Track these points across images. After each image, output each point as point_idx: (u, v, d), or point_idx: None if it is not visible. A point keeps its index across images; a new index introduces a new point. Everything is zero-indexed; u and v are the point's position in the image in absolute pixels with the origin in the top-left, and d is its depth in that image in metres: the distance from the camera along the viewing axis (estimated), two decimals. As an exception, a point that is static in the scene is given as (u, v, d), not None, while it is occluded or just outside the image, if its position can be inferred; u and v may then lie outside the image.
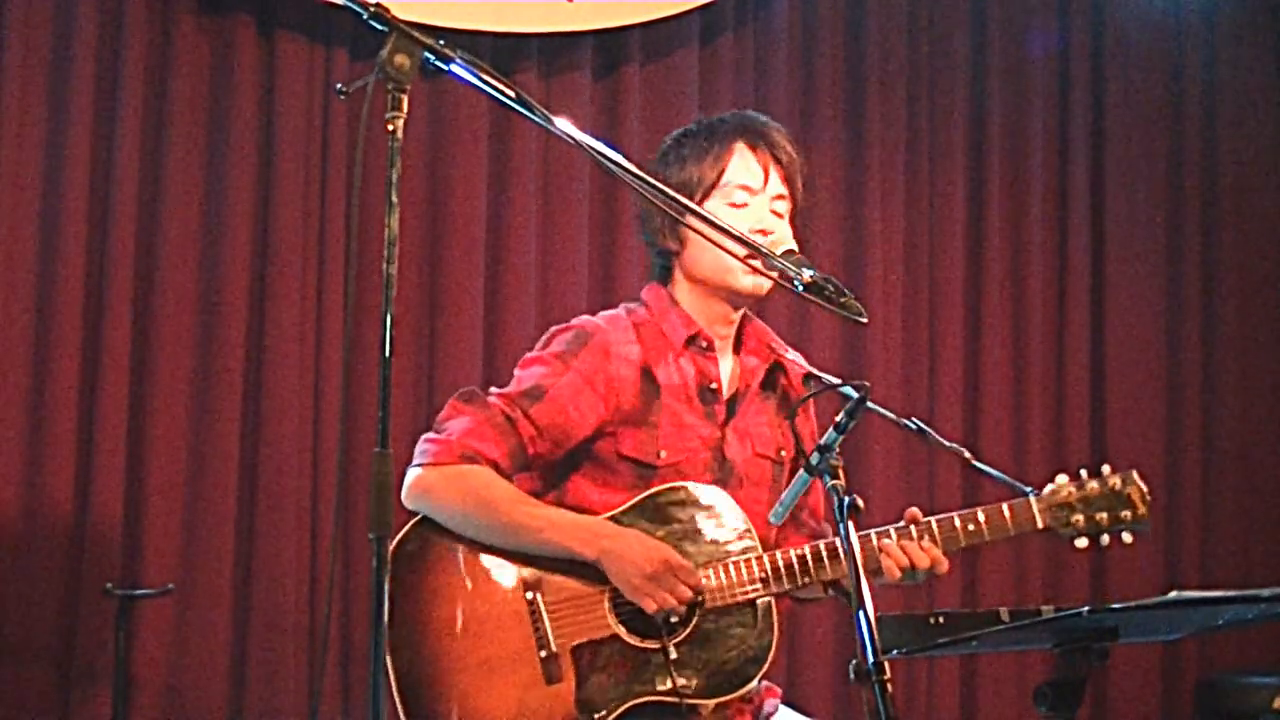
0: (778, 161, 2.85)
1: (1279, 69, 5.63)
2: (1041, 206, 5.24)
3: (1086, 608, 2.39)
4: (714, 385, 2.83)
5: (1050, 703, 2.53)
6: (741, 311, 2.89)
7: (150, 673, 3.96)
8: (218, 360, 4.11)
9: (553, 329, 2.87)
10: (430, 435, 2.76)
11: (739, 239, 2.53)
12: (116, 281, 4.01)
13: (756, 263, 2.63)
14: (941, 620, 2.69)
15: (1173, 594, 2.46)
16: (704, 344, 2.84)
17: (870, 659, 2.20)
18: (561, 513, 2.74)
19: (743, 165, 2.83)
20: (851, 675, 2.22)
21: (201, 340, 4.13)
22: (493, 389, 2.80)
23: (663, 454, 2.77)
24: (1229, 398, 5.43)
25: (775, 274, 2.61)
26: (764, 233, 2.77)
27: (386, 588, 2.08)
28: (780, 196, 2.84)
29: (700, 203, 2.77)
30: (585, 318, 2.88)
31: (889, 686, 2.20)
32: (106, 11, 4.09)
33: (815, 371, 2.90)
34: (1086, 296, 5.28)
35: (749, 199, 2.81)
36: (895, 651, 2.60)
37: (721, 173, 2.82)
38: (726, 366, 2.87)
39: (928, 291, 5.07)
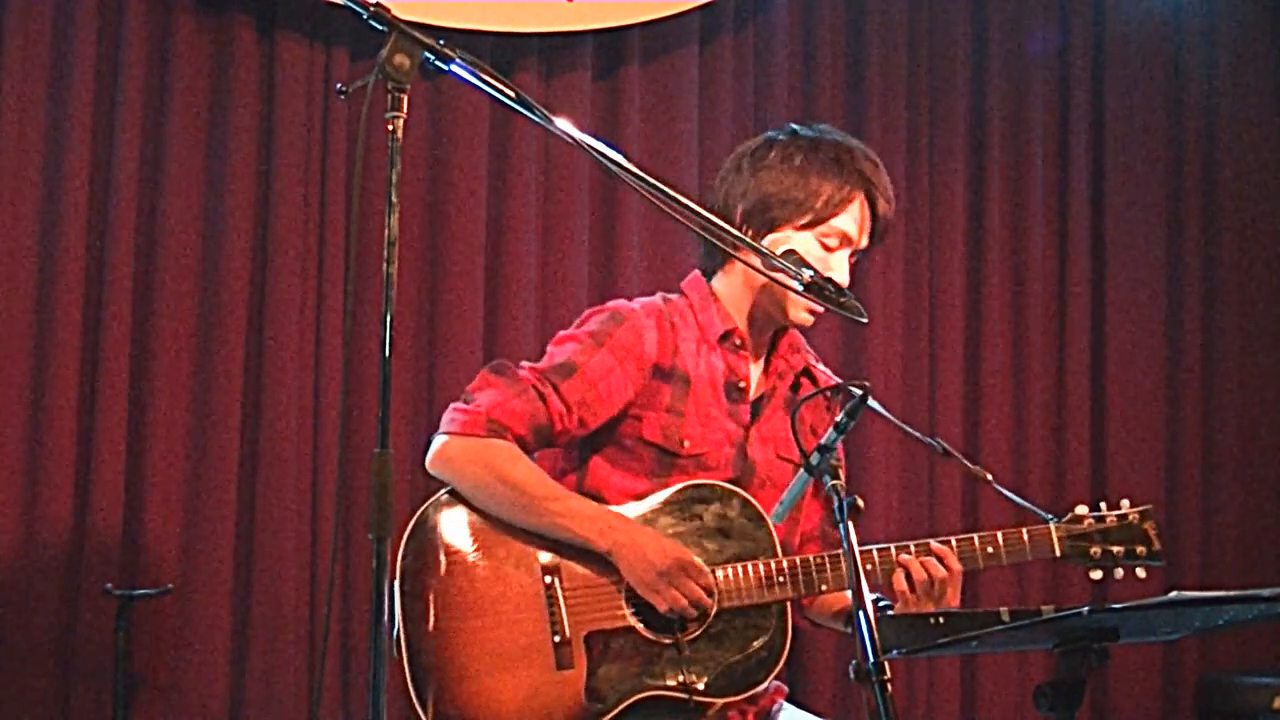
0: (876, 220, 2.90)
1: (1279, 69, 5.63)
2: (1042, 206, 5.24)
3: (1086, 608, 2.38)
4: (742, 384, 2.86)
5: (1050, 703, 2.52)
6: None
7: (150, 673, 3.96)
8: (218, 360, 4.11)
9: (588, 310, 2.91)
10: (458, 404, 2.77)
11: (759, 251, 2.57)
12: (116, 281, 4.01)
13: (819, 308, 2.67)
14: (941, 620, 2.68)
15: (1173, 594, 2.45)
16: (738, 342, 2.88)
17: (870, 659, 2.20)
18: (581, 500, 2.74)
19: (854, 216, 2.86)
20: (852, 675, 2.22)
21: (201, 340, 4.12)
22: (524, 363, 2.81)
23: (686, 443, 2.79)
24: (1229, 398, 5.43)
25: (823, 308, 2.65)
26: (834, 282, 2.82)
27: (386, 588, 2.08)
28: (862, 248, 2.91)
29: (793, 221, 2.81)
30: (621, 301, 2.91)
31: (889, 686, 2.20)
32: (106, 11, 4.08)
33: (842, 383, 2.94)
34: (1087, 296, 5.27)
35: (839, 247, 2.85)
36: (895, 651, 2.59)
37: (835, 214, 2.84)
38: (756, 369, 2.91)
39: (928, 291, 5.07)
